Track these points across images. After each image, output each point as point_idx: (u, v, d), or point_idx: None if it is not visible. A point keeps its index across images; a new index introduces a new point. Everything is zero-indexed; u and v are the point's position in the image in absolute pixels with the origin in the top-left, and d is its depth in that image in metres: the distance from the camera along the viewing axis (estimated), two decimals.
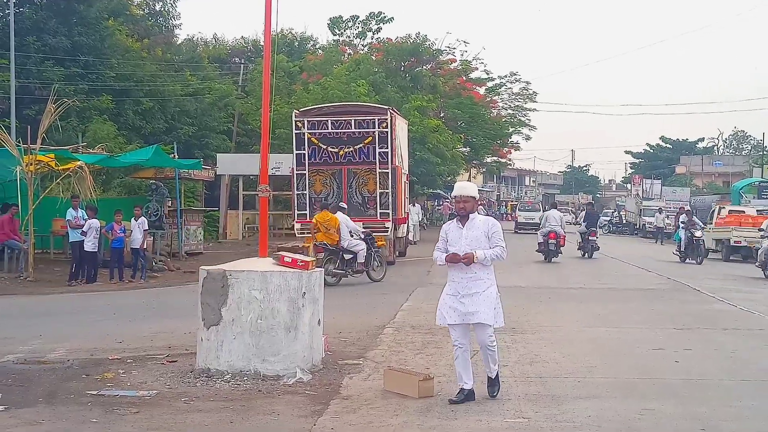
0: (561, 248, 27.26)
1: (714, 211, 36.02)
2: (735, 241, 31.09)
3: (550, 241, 26.62)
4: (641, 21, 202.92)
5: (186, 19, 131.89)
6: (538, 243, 27.40)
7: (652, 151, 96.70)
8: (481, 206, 33.16)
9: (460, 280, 8.23)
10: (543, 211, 35.52)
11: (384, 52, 46.84)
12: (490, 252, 8.13)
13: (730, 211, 34.85)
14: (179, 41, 52.96)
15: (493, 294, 8.19)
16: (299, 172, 23.60)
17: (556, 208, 29.34)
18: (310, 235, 23.53)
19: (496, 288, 8.25)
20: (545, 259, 26.82)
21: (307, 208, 23.56)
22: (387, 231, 23.70)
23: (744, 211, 34.68)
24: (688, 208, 30.17)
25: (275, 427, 7.45)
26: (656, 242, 44.34)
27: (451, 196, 8.71)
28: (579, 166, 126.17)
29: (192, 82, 43.74)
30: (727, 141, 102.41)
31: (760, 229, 25.33)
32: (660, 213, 47.01)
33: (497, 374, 8.40)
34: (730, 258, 31.60)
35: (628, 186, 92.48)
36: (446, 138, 41.24)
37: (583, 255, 29.00)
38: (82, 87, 35.32)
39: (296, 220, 23.89)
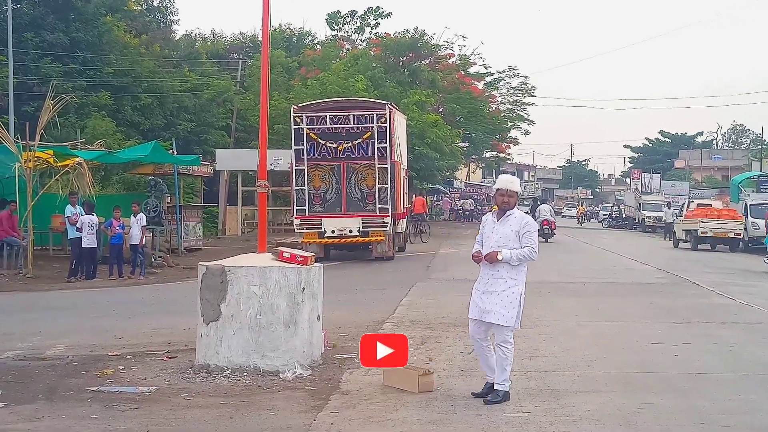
0: (554, 231, 36.12)
1: (684, 204, 40.26)
2: (701, 232, 33.72)
3: (545, 227, 34.67)
4: (640, 15, 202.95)
5: (184, 15, 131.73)
6: (537, 230, 33.63)
7: (651, 145, 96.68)
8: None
9: (484, 276, 8.11)
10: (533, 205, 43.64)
11: (382, 47, 46.82)
12: (517, 252, 7.92)
13: (698, 205, 38.53)
14: (177, 37, 53.01)
15: (514, 294, 7.93)
16: (298, 167, 23.57)
17: (545, 203, 40.58)
18: (310, 230, 23.61)
19: (521, 289, 8.01)
20: (545, 240, 33.42)
21: (306, 204, 23.54)
22: (386, 226, 23.70)
23: (711, 204, 38.65)
24: None
25: (275, 422, 7.45)
26: (664, 238, 43.81)
27: (494, 188, 8.52)
28: (578, 160, 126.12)
29: (190, 78, 43.71)
30: (726, 135, 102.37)
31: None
32: (668, 208, 46.60)
33: (504, 391, 7.99)
34: (698, 247, 34.25)
35: (627, 180, 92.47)
36: (445, 133, 41.25)
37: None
38: (80, 83, 35.32)
39: (295, 215, 23.87)
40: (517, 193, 8.15)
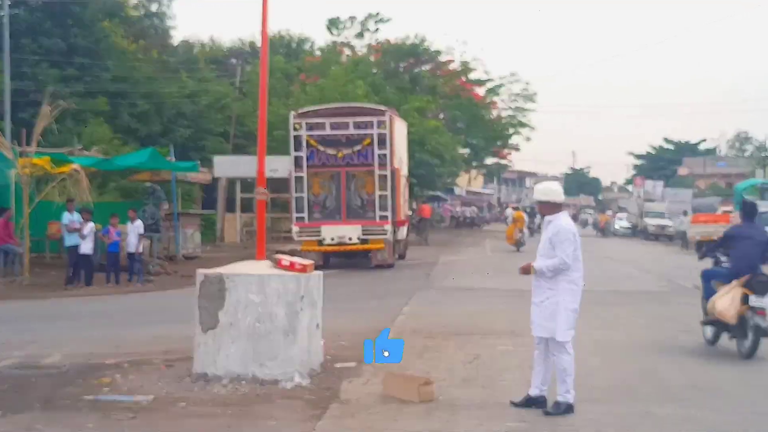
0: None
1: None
2: (690, 237, 38.08)
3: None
4: (642, 22, 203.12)
5: (182, 21, 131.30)
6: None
7: (654, 152, 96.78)
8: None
9: (532, 286, 8.17)
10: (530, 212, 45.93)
11: (382, 52, 46.84)
12: (547, 263, 7.90)
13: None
14: (175, 43, 52.94)
15: (554, 304, 7.86)
16: (297, 174, 23.49)
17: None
18: (309, 238, 23.53)
19: (561, 298, 7.86)
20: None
21: (305, 211, 23.45)
22: (386, 234, 23.60)
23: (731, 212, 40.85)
24: None
25: (273, 431, 7.38)
26: (682, 247, 41.48)
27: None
28: (580, 167, 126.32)
29: (188, 84, 43.64)
30: (730, 142, 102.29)
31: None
32: (685, 215, 45.97)
33: (566, 403, 7.83)
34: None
35: (630, 188, 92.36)
36: (446, 139, 41.25)
37: None
38: (77, 89, 35.25)
39: (294, 223, 23.78)
40: (546, 201, 8.14)
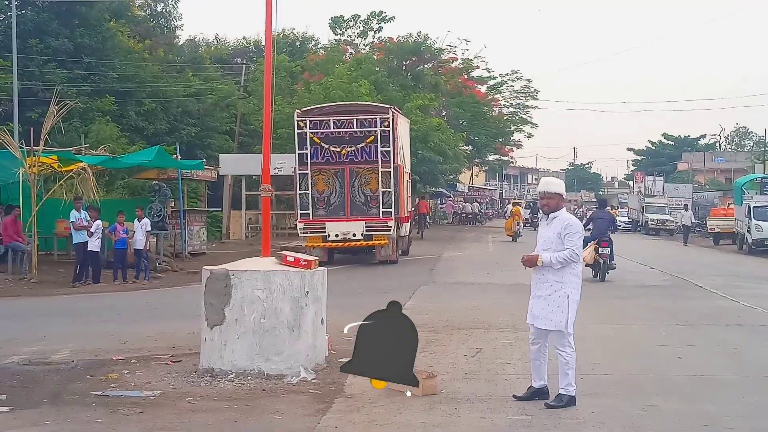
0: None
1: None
2: (711, 228, 43.05)
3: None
4: (643, 18, 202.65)
5: (187, 20, 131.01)
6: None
7: (654, 147, 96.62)
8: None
9: (533, 280, 8.14)
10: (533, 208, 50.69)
11: (385, 51, 46.83)
12: (557, 255, 7.86)
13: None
14: (181, 42, 52.96)
15: (560, 298, 7.86)
16: (301, 171, 23.58)
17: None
18: (313, 234, 23.64)
19: (569, 290, 7.88)
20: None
21: (310, 208, 23.54)
22: (389, 230, 23.69)
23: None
24: None
25: (279, 426, 7.46)
26: (685, 243, 41.17)
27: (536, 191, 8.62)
28: (581, 163, 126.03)
29: (194, 83, 43.65)
30: (729, 137, 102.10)
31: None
32: (686, 210, 45.52)
33: (568, 396, 7.86)
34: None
35: (631, 183, 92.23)
36: (448, 136, 41.25)
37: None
38: (84, 89, 35.30)
39: (299, 219, 23.87)
40: (556, 194, 8.14)
